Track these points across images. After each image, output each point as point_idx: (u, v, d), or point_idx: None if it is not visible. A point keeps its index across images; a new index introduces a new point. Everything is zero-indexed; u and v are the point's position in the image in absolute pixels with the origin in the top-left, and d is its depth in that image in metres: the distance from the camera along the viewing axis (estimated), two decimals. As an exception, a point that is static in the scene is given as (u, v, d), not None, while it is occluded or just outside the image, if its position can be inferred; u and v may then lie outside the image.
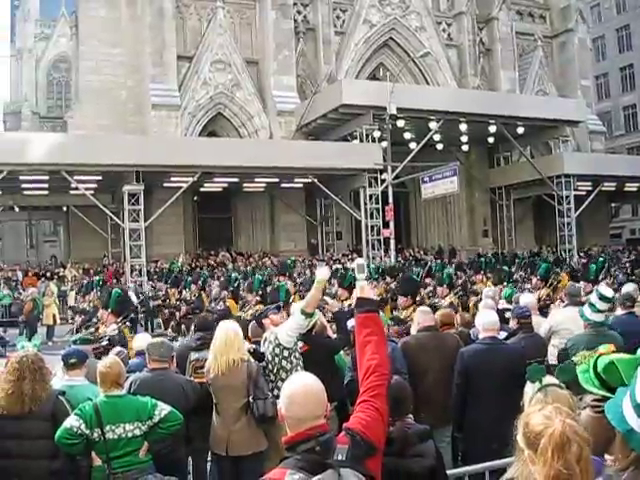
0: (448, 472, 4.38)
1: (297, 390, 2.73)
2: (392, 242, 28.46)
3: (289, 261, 22.21)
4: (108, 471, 4.63)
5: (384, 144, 28.03)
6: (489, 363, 5.80)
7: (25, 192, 28.17)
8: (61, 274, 27.52)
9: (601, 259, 18.59)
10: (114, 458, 4.66)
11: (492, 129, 31.15)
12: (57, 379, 5.53)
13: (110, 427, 4.67)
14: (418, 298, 11.20)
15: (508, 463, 2.54)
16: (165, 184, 27.28)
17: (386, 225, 28.21)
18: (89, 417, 4.64)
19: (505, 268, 18.64)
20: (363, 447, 2.71)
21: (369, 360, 3.03)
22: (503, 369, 5.64)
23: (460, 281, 15.78)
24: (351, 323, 7.17)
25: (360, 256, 28.08)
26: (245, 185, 30.24)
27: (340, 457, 2.58)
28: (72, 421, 4.61)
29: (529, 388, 3.05)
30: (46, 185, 26.76)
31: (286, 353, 6.03)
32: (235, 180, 28.84)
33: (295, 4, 33.43)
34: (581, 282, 11.81)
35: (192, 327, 10.71)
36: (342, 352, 7.29)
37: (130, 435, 4.71)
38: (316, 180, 28.37)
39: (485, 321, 6.17)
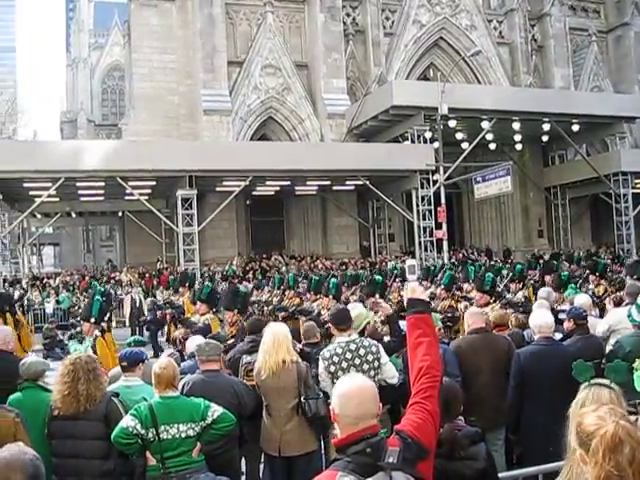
0: (501, 475, 4.30)
1: (351, 389, 2.72)
2: (445, 243, 28.22)
3: (189, 271, 21.86)
4: (162, 470, 4.70)
5: (436, 145, 27.81)
6: (545, 364, 5.69)
7: (82, 198, 28.90)
8: (117, 278, 28.02)
9: (519, 266, 15.91)
10: (168, 458, 4.73)
11: (546, 127, 30.63)
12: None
13: (164, 427, 4.73)
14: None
15: (563, 466, 2.49)
16: (218, 188, 27.57)
17: (439, 226, 27.97)
18: (144, 417, 4.71)
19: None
20: (414, 450, 2.68)
21: (421, 361, 3.00)
22: (560, 370, 5.51)
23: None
24: (403, 325, 7.11)
25: (412, 258, 27.98)
26: (297, 188, 30.36)
27: (391, 460, 2.55)
28: (128, 421, 4.70)
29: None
30: (102, 191, 27.36)
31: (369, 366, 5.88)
32: (287, 183, 28.96)
33: (344, 6, 33.42)
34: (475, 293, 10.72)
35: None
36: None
37: (184, 435, 4.77)
38: (368, 182, 28.30)
39: (540, 322, 6.06)
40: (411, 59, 34.31)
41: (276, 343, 5.83)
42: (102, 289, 14.40)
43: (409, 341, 3.12)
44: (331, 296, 12.18)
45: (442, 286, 13.07)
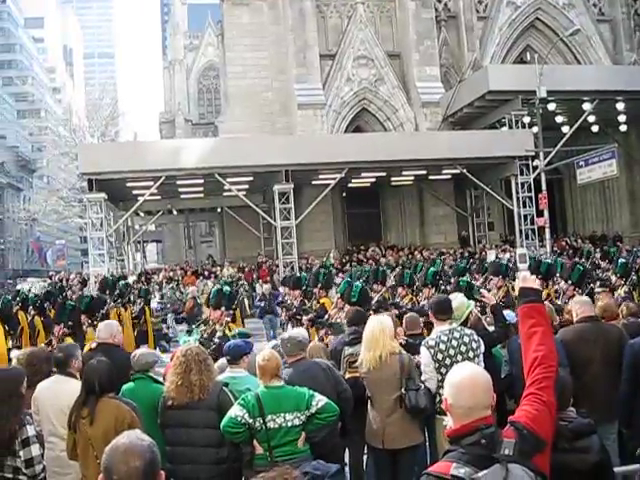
0: (615, 469, 4.12)
1: (464, 379, 2.66)
2: (547, 231, 27.41)
3: (110, 277, 21.44)
4: (270, 459, 4.74)
5: (535, 129, 26.99)
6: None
7: (182, 196, 29.69)
8: (218, 273, 28.59)
9: (432, 270, 13.52)
10: (275, 447, 4.78)
11: (653, 106, 29.23)
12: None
13: (271, 416, 4.79)
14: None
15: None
16: (313, 182, 27.74)
17: (540, 214, 27.20)
18: (252, 407, 4.78)
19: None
20: (531, 442, 2.61)
21: (535, 351, 2.91)
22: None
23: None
24: (508, 315, 6.94)
25: (512, 247, 27.41)
26: (392, 179, 30.17)
27: (507, 452, 2.49)
28: (236, 410, 4.78)
29: None
30: (201, 188, 28.02)
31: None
32: (382, 174, 28.81)
33: (435, -8, 32.95)
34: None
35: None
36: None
37: (290, 424, 4.81)
38: (465, 170, 27.82)
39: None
40: (506, 42, 33.41)
41: (375, 336, 5.79)
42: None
43: (522, 331, 3.03)
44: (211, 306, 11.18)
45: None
